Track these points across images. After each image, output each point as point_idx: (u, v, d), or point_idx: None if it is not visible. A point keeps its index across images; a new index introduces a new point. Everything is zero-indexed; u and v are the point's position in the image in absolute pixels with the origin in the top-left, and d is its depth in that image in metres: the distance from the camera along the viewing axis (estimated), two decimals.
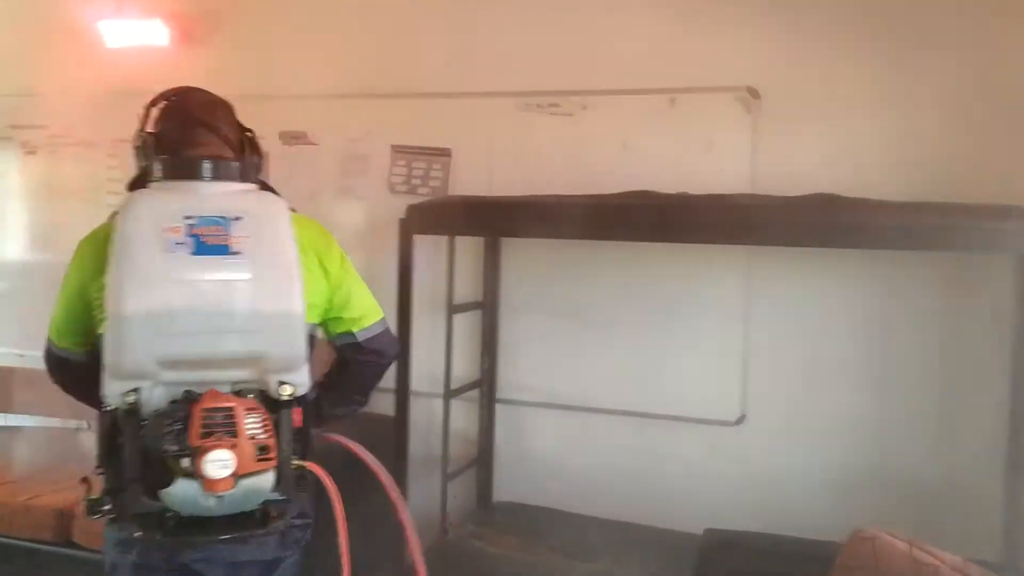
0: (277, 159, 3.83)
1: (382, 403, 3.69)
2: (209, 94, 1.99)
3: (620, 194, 2.83)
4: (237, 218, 1.61)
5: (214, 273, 1.58)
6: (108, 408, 1.58)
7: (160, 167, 1.68)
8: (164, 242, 1.57)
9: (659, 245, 3.17)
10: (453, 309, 3.21)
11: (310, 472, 1.67)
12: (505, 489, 3.53)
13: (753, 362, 3.19)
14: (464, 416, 3.50)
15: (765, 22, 3.13)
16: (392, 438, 3.59)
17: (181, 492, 1.53)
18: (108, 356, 1.56)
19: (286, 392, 1.62)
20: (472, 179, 3.51)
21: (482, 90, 3.50)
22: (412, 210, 2.96)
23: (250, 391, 1.61)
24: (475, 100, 3.52)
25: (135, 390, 1.56)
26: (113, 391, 1.57)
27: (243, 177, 1.71)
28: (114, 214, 1.72)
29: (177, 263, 1.57)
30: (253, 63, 3.86)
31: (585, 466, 3.40)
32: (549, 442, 3.50)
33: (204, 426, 1.51)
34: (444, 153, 3.59)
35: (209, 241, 1.60)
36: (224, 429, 1.51)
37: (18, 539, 3.20)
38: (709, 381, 3.25)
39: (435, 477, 3.37)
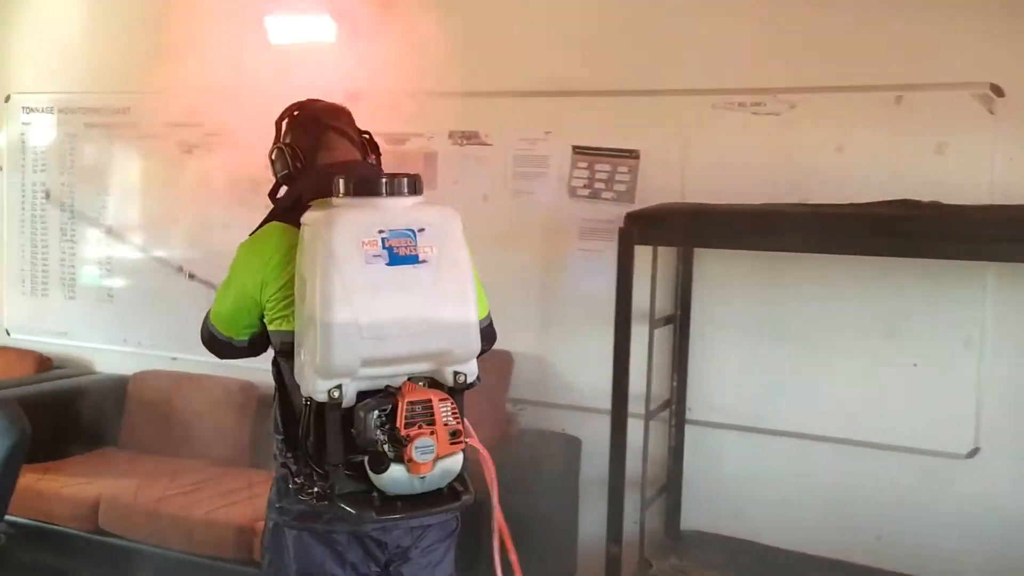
0: (446, 159, 3.68)
1: (553, 418, 3.52)
2: (328, 102, 2.13)
3: (880, 203, 2.57)
4: (421, 229, 1.75)
5: (408, 281, 1.73)
6: (308, 402, 1.75)
7: (343, 185, 1.78)
8: (364, 255, 1.70)
9: (875, 259, 2.89)
10: (648, 323, 2.99)
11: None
12: (693, 516, 3.29)
13: (989, 389, 2.88)
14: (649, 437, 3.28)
15: (1012, 8, 2.81)
16: (566, 456, 3.42)
17: (393, 475, 1.70)
18: (318, 358, 1.70)
19: (460, 380, 1.80)
20: (662, 184, 3.26)
21: (675, 87, 3.25)
22: (633, 219, 2.74)
23: (420, 379, 1.78)
24: (667, 98, 3.28)
25: (338, 386, 1.72)
26: (319, 388, 1.72)
27: (418, 191, 1.82)
28: (267, 220, 1.97)
29: (376, 274, 1.71)
30: (421, 59, 3.68)
31: (785, 496, 3.14)
32: (743, 468, 3.24)
33: (408, 417, 1.69)
34: (632, 155, 3.35)
35: (401, 252, 1.74)
36: (423, 419, 1.70)
37: (199, 555, 3.10)
38: (935, 408, 2.95)
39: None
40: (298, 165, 2.00)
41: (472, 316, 1.80)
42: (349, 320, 1.68)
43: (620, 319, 2.71)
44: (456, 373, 1.80)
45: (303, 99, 2.14)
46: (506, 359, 3.49)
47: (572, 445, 3.45)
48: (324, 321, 1.68)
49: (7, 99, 4.57)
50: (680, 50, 3.24)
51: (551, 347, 3.53)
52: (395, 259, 1.73)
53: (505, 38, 3.54)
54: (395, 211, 1.77)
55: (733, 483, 3.24)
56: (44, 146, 4.54)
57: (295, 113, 2.10)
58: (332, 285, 1.68)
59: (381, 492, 1.73)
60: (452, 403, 1.74)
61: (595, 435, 3.44)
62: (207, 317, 2.06)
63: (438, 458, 1.70)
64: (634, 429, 3.19)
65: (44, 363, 4.41)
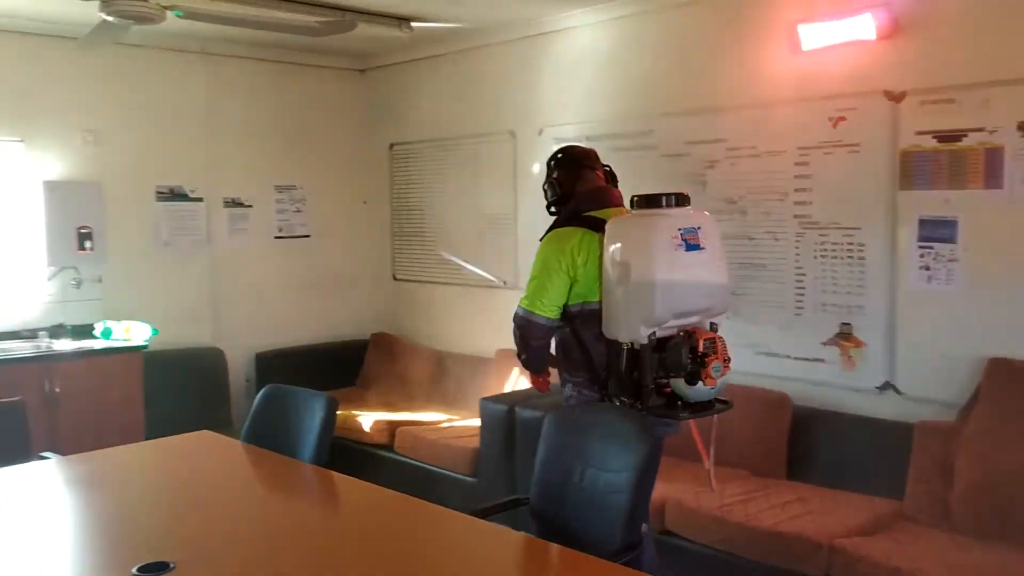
0: (1015, 153, 3.29)
1: None
2: (581, 146, 3.20)
3: None
4: (699, 227, 2.69)
5: (696, 261, 2.66)
6: (629, 346, 2.66)
7: (638, 201, 2.75)
8: (673, 244, 2.63)
9: None
10: None
11: None
12: None
13: None
14: None
15: None
16: None
17: (698, 387, 2.62)
18: (643, 311, 2.62)
19: (713, 328, 2.73)
20: None
21: None
22: None
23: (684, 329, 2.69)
24: None
25: (654, 332, 2.63)
26: (642, 334, 2.63)
27: (687, 203, 2.73)
28: (556, 225, 2.92)
29: (681, 256, 2.64)
30: (976, 47, 3.37)
31: None
32: None
33: (706, 348, 2.61)
34: None
35: (691, 242, 2.65)
36: (711, 350, 2.62)
37: (766, 564, 3.12)
38: None
39: None
40: (563, 191, 2.98)
41: (728, 284, 2.83)
42: (669, 286, 2.61)
43: None
44: (711, 324, 2.75)
45: (564, 145, 3.21)
46: None
47: None
48: (654, 288, 2.60)
49: (540, 132, 5.11)
50: None
51: None
52: (689, 247, 2.65)
53: None
54: (684, 216, 2.70)
55: None
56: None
57: (559, 156, 3.08)
58: (657, 264, 2.62)
59: (682, 400, 2.67)
60: (724, 341, 2.68)
61: None
62: (516, 313, 2.88)
63: (721, 376, 2.64)
64: None
65: None
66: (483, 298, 5.46)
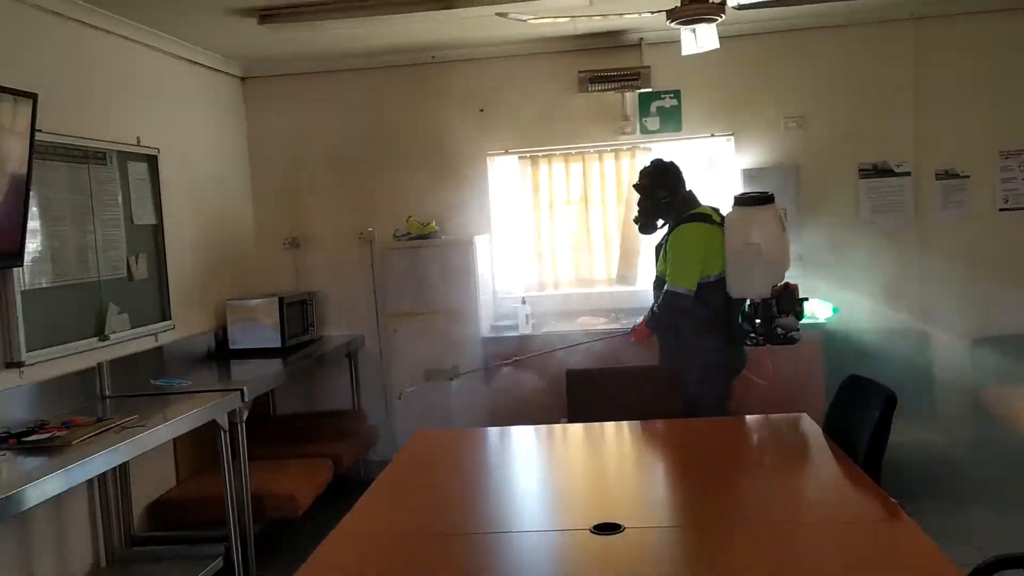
0: None
1: None
2: (669, 160, 4.16)
3: None
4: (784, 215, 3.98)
5: (787, 238, 3.90)
6: (754, 301, 3.79)
7: (738, 200, 3.94)
8: (782, 228, 3.85)
9: None
10: None
11: None
12: None
13: None
14: None
15: None
16: None
17: (794, 322, 3.75)
18: (773, 274, 3.77)
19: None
20: None
21: None
22: None
23: None
24: None
25: (774, 287, 3.76)
26: (766, 291, 3.73)
27: (773, 201, 3.88)
28: (683, 221, 3.94)
29: (785, 236, 3.86)
30: None
31: None
32: None
33: (800, 295, 3.80)
34: None
35: (784, 226, 3.90)
36: (798, 296, 3.80)
37: None
38: None
39: None
40: (671, 196, 4.03)
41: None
42: (785, 257, 3.84)
43: None
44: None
45: (660, 159, 4.15)
46: None
47: None
48: (775, 259, 3.77)
49: None
50: None
51: None
52: (783, 230, 3.87)
53: None
54: (776, 209, 3.87)
55: None
56: None
57: (669, 168, 4.08)
58: (776, 242, 3.77)
59: (783, 332, 3.77)
60: None
61: None
62: (671, 291, 3.83)
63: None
64: None
65: None
66: None
